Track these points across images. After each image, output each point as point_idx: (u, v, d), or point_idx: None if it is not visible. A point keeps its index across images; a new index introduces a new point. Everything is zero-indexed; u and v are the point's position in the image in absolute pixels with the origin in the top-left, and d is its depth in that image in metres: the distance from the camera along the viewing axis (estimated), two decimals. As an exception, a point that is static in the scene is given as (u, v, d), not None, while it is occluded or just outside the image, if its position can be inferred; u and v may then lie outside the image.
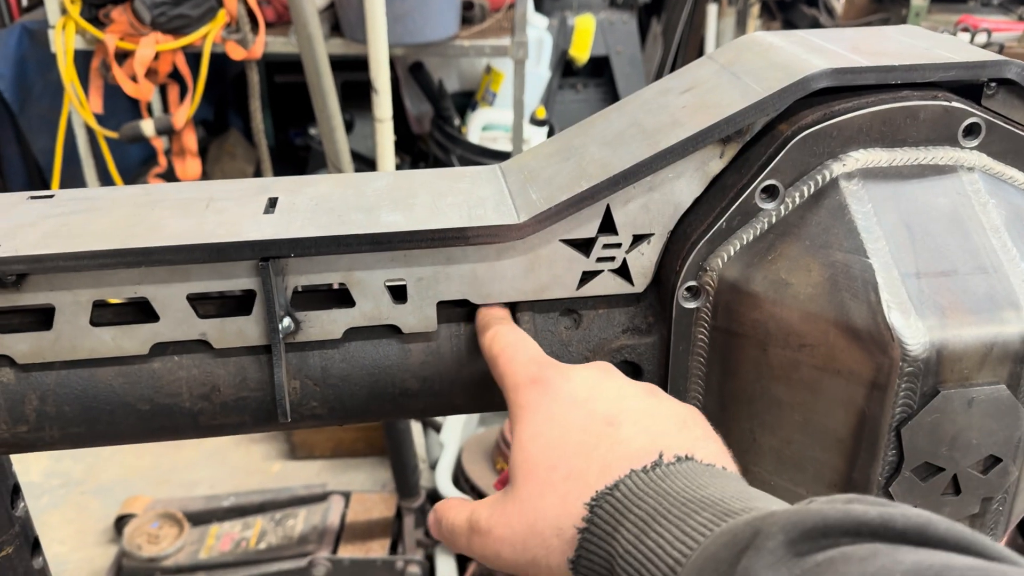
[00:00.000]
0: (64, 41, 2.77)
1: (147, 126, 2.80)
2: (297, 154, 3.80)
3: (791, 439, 0.67)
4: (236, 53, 2.77)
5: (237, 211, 0.68)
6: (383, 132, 2.51)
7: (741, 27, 3.91)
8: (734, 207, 0.65)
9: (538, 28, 3.29)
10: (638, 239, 0.68)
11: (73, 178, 3.22)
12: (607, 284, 0.70)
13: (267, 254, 0.64)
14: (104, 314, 0.67)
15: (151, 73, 2.76)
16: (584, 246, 0.68)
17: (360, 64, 2.67)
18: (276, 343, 0.67)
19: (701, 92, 0.69)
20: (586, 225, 0.67)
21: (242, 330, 0.67)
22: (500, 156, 3.12)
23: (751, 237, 0.66)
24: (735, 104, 0.65)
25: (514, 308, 0.71)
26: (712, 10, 3.85)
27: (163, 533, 2.42)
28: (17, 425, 0.68)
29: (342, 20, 2.78)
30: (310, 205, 0.69)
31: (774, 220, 0.65)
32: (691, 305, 0.68)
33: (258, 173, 3.48)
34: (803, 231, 0.64)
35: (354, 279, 0.67)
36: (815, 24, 3.97)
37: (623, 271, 0.69)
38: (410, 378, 0.71)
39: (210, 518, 2.49)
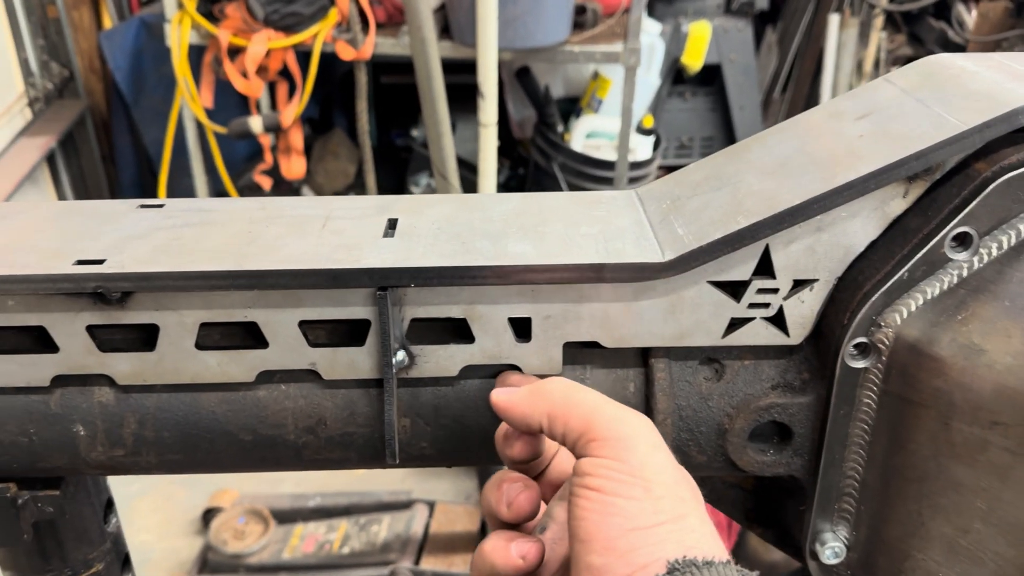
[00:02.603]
0: (179, 35, 2.81)
1: (255, 123, 2.82)
2: (399, 155, 3.80)
3: (969, 528, 0.58)
4: (346, 53, 2.77)
5: (355, 232, 0.63)
6: (487, 137, 2.47)
7: (863, 39, 3.72)
8: (919, 256, 0.57)
9: (650, 34, 3.19)
10: (799, 285, 0.60)
11: (180, 170, 3.29)
12: (758, 333, 0.62)
13: (386, 283, 0.58)
14: (209, 336, 0.62)
15: (261, 70, 2.78)
16: (734, 289, 0.60)
17: (464, 67, 2.63)
18: (389, 378, 0.61)
19: (881, 120, 0.61)
20: (740, 266, 0.59)
21: (354, 362, 0.62)
22: (604, 165, 3.04)
23: (937, 291, 0.57)
24: (927, 136, 0.56)
25: (647, 354, 0.64)
26: (834, 20, 3.67)
27: (249, 529, 2.43)
28: (114, 448, 0.64)
29: (452, 23, 2.74)
30: (432, 229, 0.63)
31: (965, 274, 0.56)
32: (859, 364, 0.59)
33: (360, 173, 3.48)
34: (1001, 289, 0.55)
35: (476, 313, 0.61)
36: (943, 38, 3.77)
37: (778, 320, 0.61)
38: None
39: (295, 517, 2.48)
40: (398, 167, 3.71)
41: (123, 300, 0.59)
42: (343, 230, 0.63)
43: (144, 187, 3.74)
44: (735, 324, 0.61)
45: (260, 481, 2.76)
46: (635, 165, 3.04)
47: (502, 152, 3.46)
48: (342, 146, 3.57)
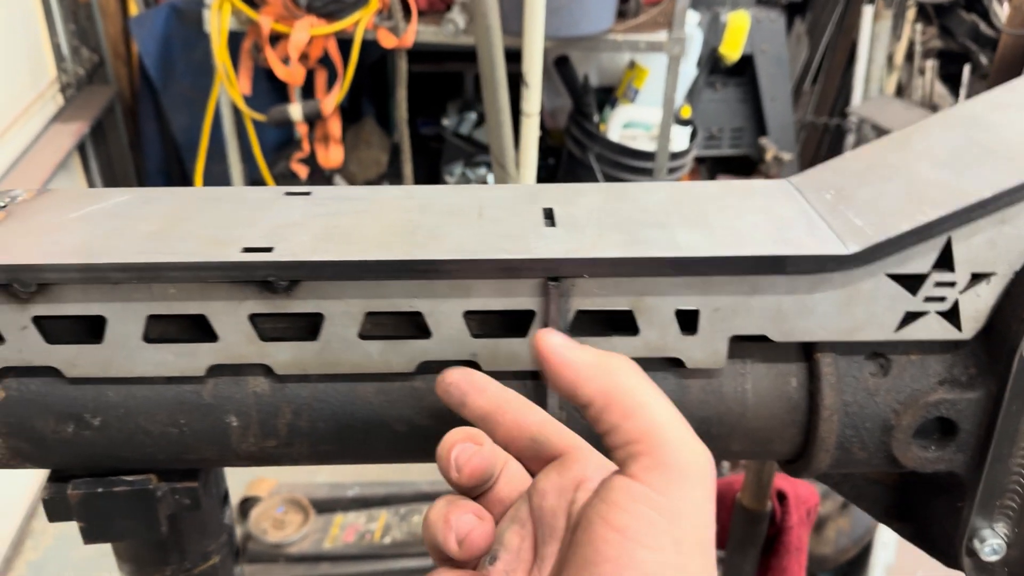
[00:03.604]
0: (219, 21, 2.79)
1: (295, 110, 2.80)
2: (427, 144, 3.77)
3: None
4: (387, 41, 2.75)
5: (515, 221, 0.61)
6: (529, 127, 2.45)
7: (896, 32, 3.70)
8: (1109, 250, 0.55)
9: (689, 24, 3.16)
10: (976, 278, 0.59)
11: (210, 157, 3.27)
12: (930, 328, 0.60)
13: (558, 273, 0.57)
14: (365, 325, 0.61)
15: (303, 57, 2.76)
16: (911, 282, 0.59)
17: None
18: (551, 370, 0.60)
19: (1060, 111, 0.59)
20: (920, 259, 0.58)
21: (515, 353, 0.61)
22: (641, 155, 3.03)
23: None
24: (1122, 128, 0.55)
25: (812, 348, 0.63)
26: (867, 12, 3.65)
27: (288, 519, 2.42)
28: (266, 439, 0.63)
29: (494, 11, 2.72)
30: (591, 219, 0.62)
31: None
32: (1039, 360, 0.58)
33: (393, 162, 3.47)
34: None
35: (644, 305, 0.59)
36: (974, 30, 3.74)
37: (952, 314, 0.60)
38: (687, 418, 0.63)
39: (335, 507, 2.47)
40: (427, 156, 3.70)
41: (289, 289, 0.58)
42: (501, 219, 0.62)
43: (170, 174, 3.73)
44: (909, 318, 0.60)
45: (296, 470, 2.76)
46: (672, 156, 3.02)
47: (533, 142, 3.44)
48: (374, 135, 3.56)
